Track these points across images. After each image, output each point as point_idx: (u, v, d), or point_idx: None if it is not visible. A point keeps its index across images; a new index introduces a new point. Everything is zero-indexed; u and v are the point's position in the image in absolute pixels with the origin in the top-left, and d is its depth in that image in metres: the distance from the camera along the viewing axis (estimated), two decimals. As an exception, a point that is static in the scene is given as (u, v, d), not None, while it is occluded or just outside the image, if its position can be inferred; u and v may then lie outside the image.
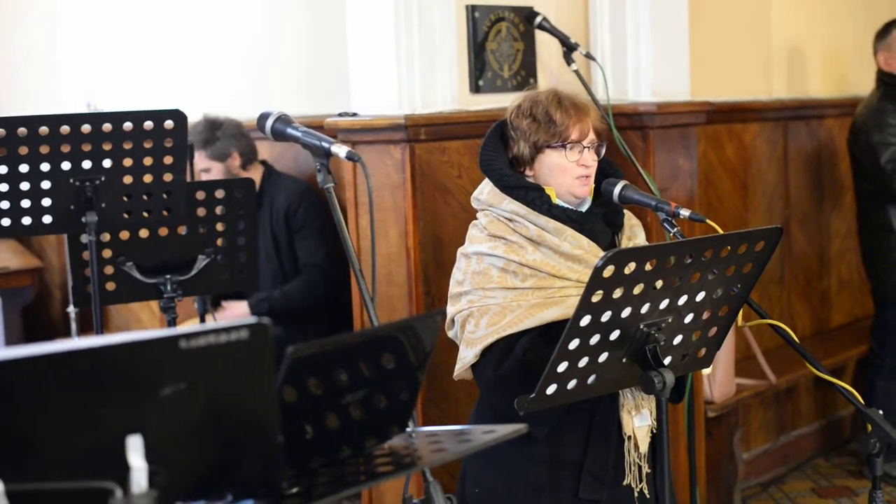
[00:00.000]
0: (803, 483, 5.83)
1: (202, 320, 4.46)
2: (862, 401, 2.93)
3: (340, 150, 2.72)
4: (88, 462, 1.61)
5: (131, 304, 6.01)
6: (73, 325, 5.13)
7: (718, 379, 4.95)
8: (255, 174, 5.34)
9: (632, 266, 2.58)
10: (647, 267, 2.61)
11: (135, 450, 1.62)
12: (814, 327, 6.42)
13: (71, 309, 4.94)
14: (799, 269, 6.31)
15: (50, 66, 6.60)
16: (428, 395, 4.11)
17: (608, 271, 2.54)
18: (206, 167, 5.28)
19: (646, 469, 3.23)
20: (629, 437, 3.23)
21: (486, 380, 3.22)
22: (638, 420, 3.22)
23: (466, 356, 3.21)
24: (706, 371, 4.85)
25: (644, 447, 3.23)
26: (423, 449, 2.03)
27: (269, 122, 2.92)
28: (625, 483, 3.23)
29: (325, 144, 2.76)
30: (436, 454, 1.98)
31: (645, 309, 2.70)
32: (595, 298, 2.58)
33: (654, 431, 3.23)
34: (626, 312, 2.67)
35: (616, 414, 3.22)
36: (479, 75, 4.39)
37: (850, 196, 6.14)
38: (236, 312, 5.22)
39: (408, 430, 2.14)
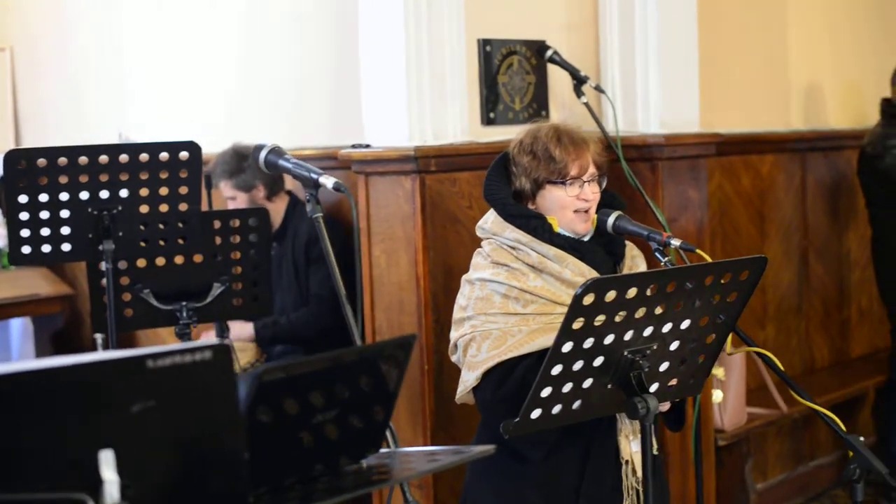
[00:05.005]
0: (821, 513, 5.87)
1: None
2: (844, 428, 2.99)
3: (328, 181, 2.83)
4: (62, 475, 1.69)
5: (159, 330, 6.12)
6: (101, 351, 5.23)
7: (729, 407, 5.00)
8: (281, 205, 5.42)
9: (612, 294, 2.65)
10: (629, 295, 2.68)
11: (107, 464, 1.71)
12: (833, 357, 6.45)
13: (98, 336, 5.04)
14: (817, 299, 6.34)
15: (85, 98, 6.74)
16: (436, 421, 4.19)
17: (588, 299, 2.62)
18: (231, 196, 5.37)
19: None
20: (626, 462, 3.30)
21: (485, 402, 3.31)
22: (635, 445, 3.30)
23: (468, 379, 3.30)
24: (717, 399, 4.94)
25: (641, 471, 3.29)
26: (395, 467, 2.11)
27: (263, 154, 3.03)
28: (623, 506, 3.31)
29: (314, 175, 2.86)
30: (405, 472, 2.06)
31: (628, 336, 2.76)
32: (576, 325, 2.66)
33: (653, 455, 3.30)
34: (609, 339, 2.73)
35: (614, 438, 3.30)
36: (492, 108, 4.49)
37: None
38: (240, 333, 5.29)
39: (386, 450, 2.23)
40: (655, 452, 3.30)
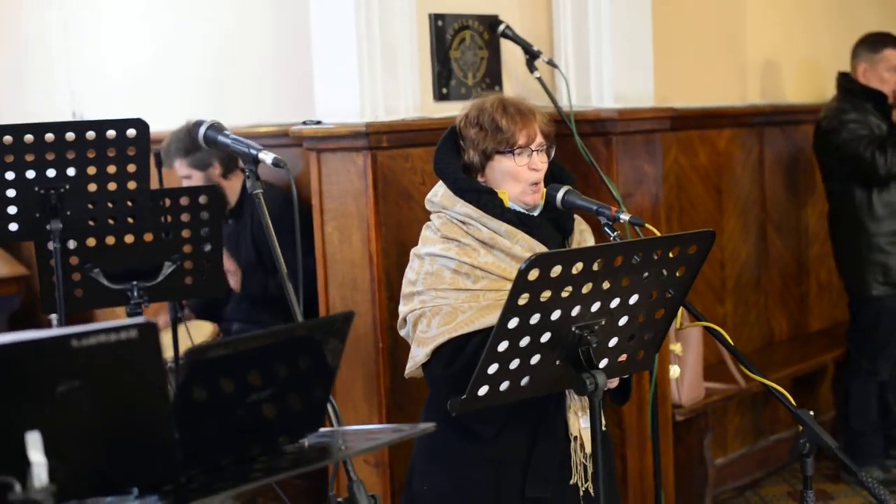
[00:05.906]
0: (780, 487, 5.88)
1: (174, 327, 4.52)
2: (794, 402, 2.98)
3: (267, 156, 2.80)
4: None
5: (117, 309, 6.08)
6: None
7: (686, 383, 5.00)
8: (237, 182, 5.38)
9: (558, 269, 2.63)
10: (575, 270, 2.66)
11: (34, 446, 1.68)
12: (791, 331, 6.46)
13: (53, 316, 4.99)
14: (776, 273, 6.35)
15: (42, 76, 6.68)
16: (392, 398, 4.17)
17: (533, 274, 2.59)
18: (187, 174, 5.32)
19: (591, 469, 3.29)
20: (575, 438, 3.29)
21: (435, 379, 3.29)
22: (584, 421, 3.28)
23: (418, 355, 3.28)
24: (674, 374, 4.94)
25: (590, 447, 3.28)
26: (335, 446, 2.09)
27: (202, 130, 3.00)
28: (571, 482, 3.30)
29: (253, 151, 2.84)
30: (344, 451, 2.04)
31: (576, 311, 2.74)
32: (521, 301, 2.63)
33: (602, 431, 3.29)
34: (555, 315, 2.71)
35: (562, 414, 3.29)
36: (445, 83, 4.46)
37: (828, 200, 6.20)
38: None
39: (328, 429, 2.20)
40: (604, 429, 3.30)
